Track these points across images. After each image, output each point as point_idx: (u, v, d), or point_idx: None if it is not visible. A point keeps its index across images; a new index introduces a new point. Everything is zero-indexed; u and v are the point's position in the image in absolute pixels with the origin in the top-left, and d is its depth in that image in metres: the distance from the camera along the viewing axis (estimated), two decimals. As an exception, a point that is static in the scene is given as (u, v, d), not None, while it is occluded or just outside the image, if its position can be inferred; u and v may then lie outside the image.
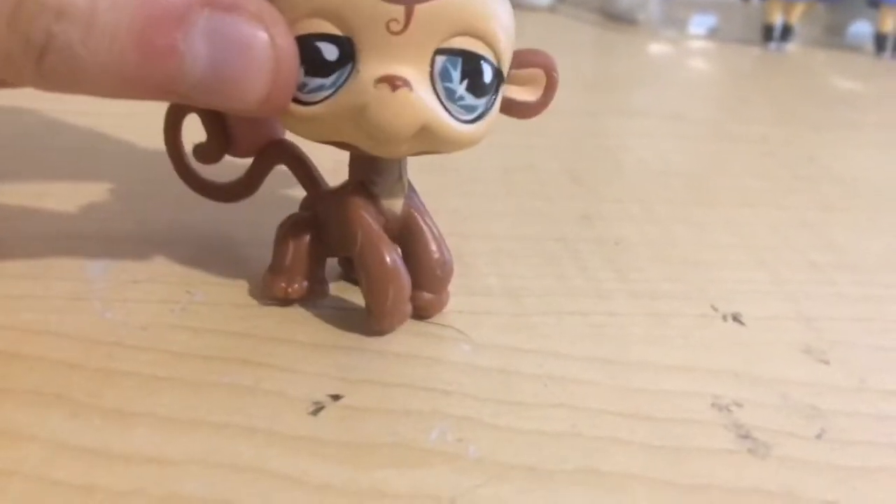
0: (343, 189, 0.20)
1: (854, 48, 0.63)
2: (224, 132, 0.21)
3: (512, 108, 0.19)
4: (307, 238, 0.20)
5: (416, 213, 0.20)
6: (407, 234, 0.20)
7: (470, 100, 0.17)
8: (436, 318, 0.21)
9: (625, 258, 0.25)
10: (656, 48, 0.59)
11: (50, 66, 0.14)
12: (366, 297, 0.20)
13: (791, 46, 0.61)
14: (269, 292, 0.21)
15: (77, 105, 0.33)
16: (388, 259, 0.19)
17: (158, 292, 0.21)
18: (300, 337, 0.20)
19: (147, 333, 0.19)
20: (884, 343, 0.22)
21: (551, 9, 0.69)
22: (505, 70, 0.18)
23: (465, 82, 0.17)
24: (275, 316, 0.20)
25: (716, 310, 0.23)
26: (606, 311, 0.22)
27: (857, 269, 0.26)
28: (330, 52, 0.17)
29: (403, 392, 0.18)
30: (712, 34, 0.63)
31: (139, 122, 0.32)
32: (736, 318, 0.22)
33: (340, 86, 0.17)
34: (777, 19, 0.60)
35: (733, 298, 0.23)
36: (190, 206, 0.24)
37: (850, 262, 0.26)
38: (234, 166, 0.23)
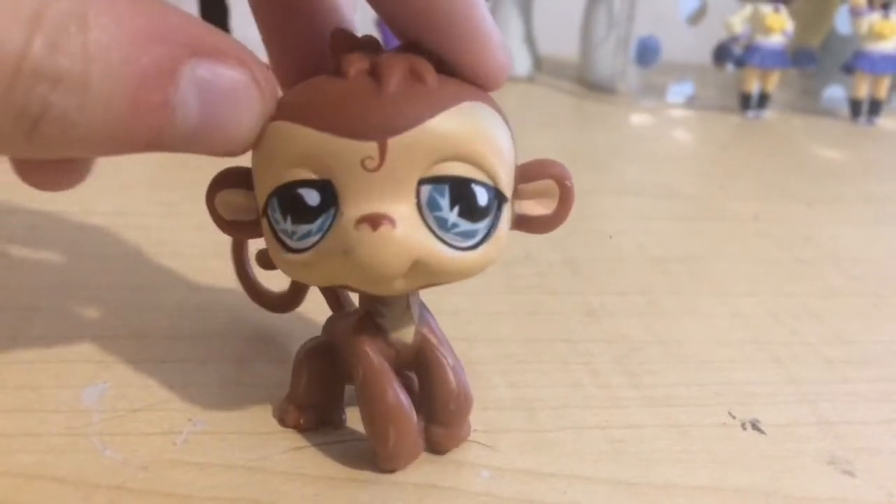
0: (351, 318, 0.19)
1: (829, 112, 0.64)
2: None
3: (526, 224, 0.19)
4: (322, 366, 0.20)
5: (429, 343, 0.19)
6: (420, 365, 0.19)
7: (466, 226, 0.16)
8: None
9: (636, 359, 0.25)
10: (637, 118, 0.59)
11: (42, 134, 0.14)
12: (369, 437, 0.19)
13: (768, 113, 0.62)
14: (282, 422, 0.20)
15: (63, 205, 0.32)
16: (388, 397, 0.18)
17: (159, 422, 0.20)
18: (311, 470, 0.19)
19: (150, 474, 0.18)
20: (908, 449, 0.21)
21: (530, 79, 0.69)
22: (505, 188, 0.17)
23: (457, 208, 0.16)
24: (284, 445, 0.20)
25: (734, 417, 0.22)
26: (625, 424, 0.21)
27: (869, 364, 0.25)
28: (312, 197, 0.16)
29: (425, 532, 0.17)
30: (690, 102, 0.64)
31: (130, 222, 0.32)
32: (755, 426, 0.22)
33: (326, 230, 0.16)
34: (754, 88, 0.61)
35: (750, 402, 0.23)
36: (188, 316, 0.24)
37: (862, 357, 0.26)
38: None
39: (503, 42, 0.17)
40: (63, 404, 0.21)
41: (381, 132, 0.15)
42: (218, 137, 0.16)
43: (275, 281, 0.23)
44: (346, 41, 0.17)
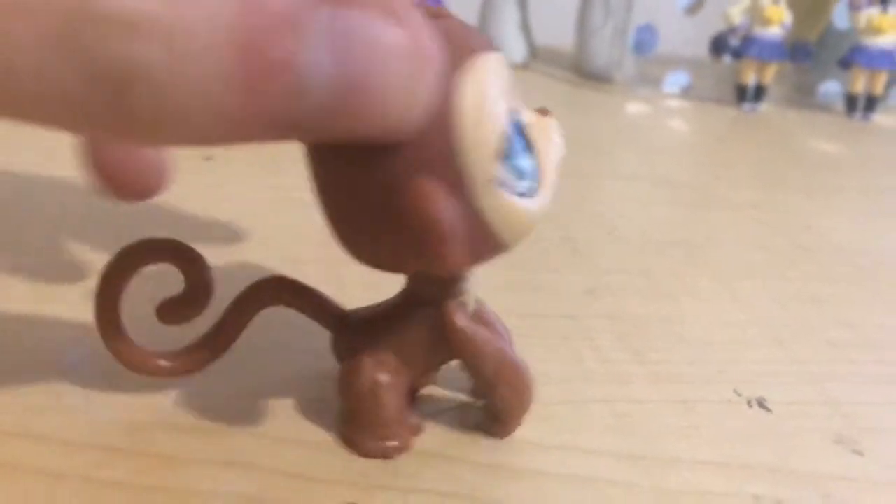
0: (423, 311, 0.18)
1: (824, 107, 0.64)
2: (206, 276, 0.18)
3: None
4: (396, 381, 0.18)
5: (483, 307, 0.19)
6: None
7: None
8: (453, 419, 0.20)
9: (638, 337, 0.24)
10: (633, 107, 0.59)
11: (130, 105, 0.10)
12: (507, 409, 0.18)
13: (764, 106, 0.61)
14: (387, 455, 0.18)
15: (59, 164, 0.32)
16: (525, 368, 0.18)
17: (144, 382, 0.19)
18: (310, 436, 0.18)
19: (136, 435, 0.17)
20: (916, 430, 0.21)
21: (524, 66, 0.69)
22: None
23: None
24: (278, 411, 0.19)
25: (739, 395, 0.22)
26: (630, 399, 0.21)
27: (875, 347, 0.25)
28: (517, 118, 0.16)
29: (424, 499, 0.17)
30: (686, 93, 0.63)
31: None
32: (761, 404, 0.21)
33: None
34: (750, 80, 0.60)
35: (755, 381, 0.22)
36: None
37: (867, 340, 0.25)
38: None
39: None
40: (45, 364, 0.20)
41: None
42: (368, 106, 0.12)
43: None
44: None
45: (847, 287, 0.30)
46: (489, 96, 0.15)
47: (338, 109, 0.12)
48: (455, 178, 0.15)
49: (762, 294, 0.28)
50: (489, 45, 0.16)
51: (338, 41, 0.11)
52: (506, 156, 0.15)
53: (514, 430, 0.19)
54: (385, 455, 0.18)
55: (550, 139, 0.17)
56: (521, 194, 0.16)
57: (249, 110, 0.11)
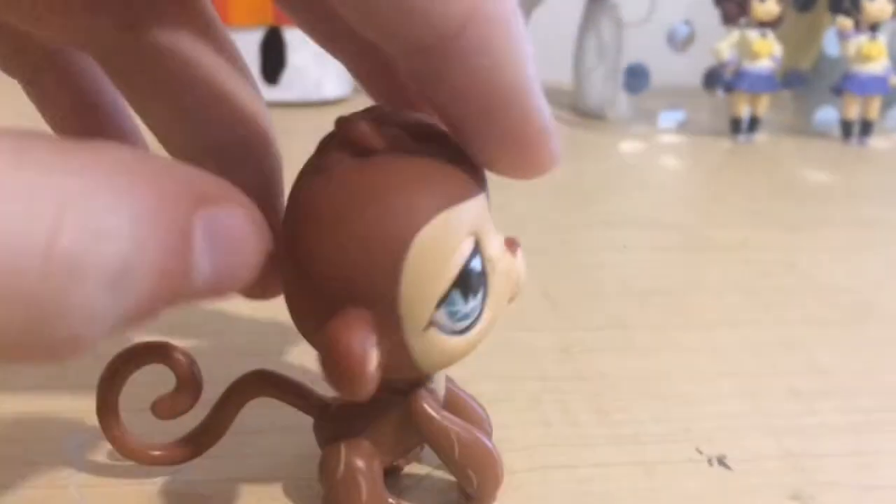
0: (391, 401, 0.19)
1: (821, 134, 0.65)
2: (195, 374, 0.19)
3: None
4: (371, 465, 0.19)
5: (453, 389, 0.21)
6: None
7: None
8: (421, 471, 0.21)
9: (608, 396, 0.25)
10: (627, 146, 0.60)
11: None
12: (478, 489, 0.19)
13: (760, 136, 0.62)
14: None
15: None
16: (491, 447, 0.19)
17: (137, 473, 0.21)
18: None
19: (124, 525, 0.19)
20: (870, 481, 0.22)
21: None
22: None
23: None
24: (260, 496, 0.20)
25: (701, 453, 0.22)
26: (592, 463, 0.22)
27: (838, 394, 0.26)
28: (477, 262, 0.17)
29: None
30: (682, 127, 0.64)
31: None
32: (721, 462, 0.22)
33: (486, 285, 0.17)
34: (744, 112, 0.61)
35: (718, 437, 0.23)
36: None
37: (832, 386, 0.26)
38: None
39: (555, 137, 0.16)
40: (44, 456, 0.21)
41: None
42: (227, 286, 0.14)
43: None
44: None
45: (822, 329, 0.30)
46: (440, 253, 0.16)
47: (209, 289, 0.14)
48: (389, 316, 0.16)
49: (736, 342, 0.29)
50: (467, 192, 0.16)
51: (212, 238, 0.13)
52: (448, 303, 0.16)
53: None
54: None
55: (509, 278, 0.18)
56: (455, 332, 0.17)
57: (155, 308, 0.13)
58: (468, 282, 0.16)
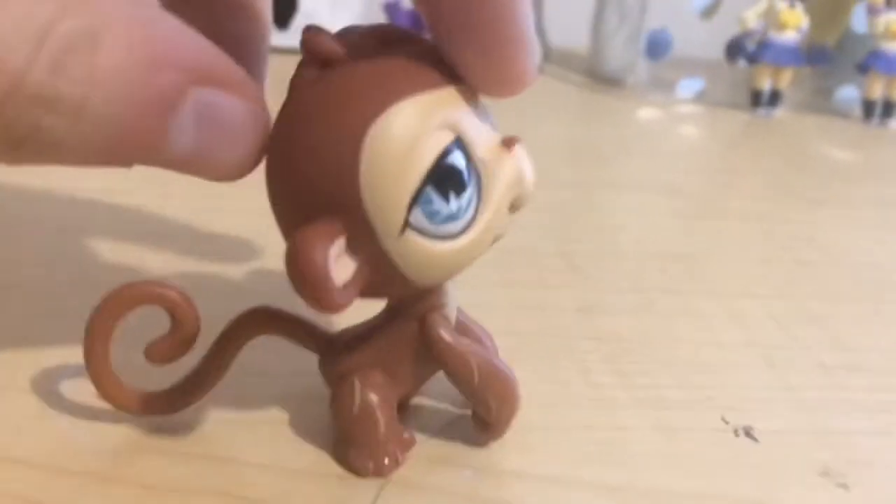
0: (405, 326, 0.18)
1: (842, 113, 0.63)
2: (192, 315, 0.18)
3: None
4: (386, 398, 0.18)
5: (464, 315, 0.20)
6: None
7: None
8: (439, 435, 0.20)
9: (628, 358, 0.24)
10: (645, 113, 0.58)
11: (27, 152, 0.13)
12: (495, 416, 0.19)
13: (779, 111, 0.61)
14: (380, 473, 0.18)
15: (58, 182, 0.32)
16: (510, 374, 0.19)
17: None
18: (289, 463, 0.18)
19: (119, 461, 0.18)
20: (903, 461, 0.21)
21: (538, 69, 0.68)
22: None
23: None
24: (260, 436, 0.19)
25: (727, 422, 0.21)
26: (613, 426, 0.21)
27: (868, 371, 0.25)
28: (459, 159, 0.15)
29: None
30: (700, 98, 0.63)
31: (125, 200, 0.31)
32: (748, 433, 0.21)
33: (479, 187, 0.16)
34: (766, 85, 0.60)
35: (744, 408, 0.22)
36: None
37: (861, 363, 0.25)
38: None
39: (533, 51, 0.16)
40: (36, 385, 0.20)
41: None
42: (210, 165, 0.15)
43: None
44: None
45: (847, 306, 0.29)
46: (399, 147, 0.15)
47: (184, 165, 0.15)
48: (358, 221, 0.15)
49: (760, 313, 0.28)
50: (432, 83, 0.15)
51: (200, 118, 0.14)
52: (423, 202, 0.15)
53: (503, 435, 0.19)
54: (379, 473, 0.18)
55: (506, 175, 0.16)
56: (443, 237, 0.16)
57: (122, 157, 0.14)
58: (446, 178, 0.15)
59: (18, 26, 0.12)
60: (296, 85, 0.16)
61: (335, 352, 0.19)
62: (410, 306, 0.18)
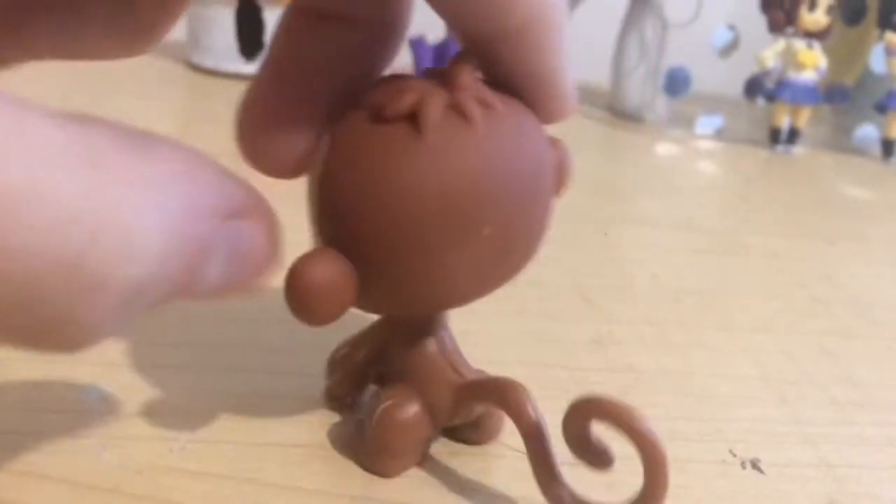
0: (428, 352, 0.20)
1: (861, 152, 0.63)
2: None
3: None
4: (419, 414, 0.20)
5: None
6: None
7: None
8: (444, 463, 0.20)
9: (638, 390, 0.25)
10: (664, 148, 0.59)
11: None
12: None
13: (798, 149, 0.61)
14: (401, 471, 0.20)
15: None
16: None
17: (158, 427, 0.20)
18: (304, 483, 0.19)
19: (144, 479, 0.18)
20: (910, 497, 0.21)
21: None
22: None
23: None
24: (277, 458, 0.20)
25: (734, 455, 0.22)
26: (621, 455, 0.21)
27: (878, 408, 0.25)
28: None
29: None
30: (719, 134, 0.63)
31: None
32: (755, 466, 0.21)
33: None
34: (784, 122, 0.60)
35: (752, 441, 0.22)
36: (194, 323, 0.24)
37: (872, 399, 0.25)
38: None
39: (572, 92, 0.19)
40: (64, 404, 0.21)
41: None
42: (229, 293, 0.15)
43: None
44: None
45: (860, 342, 0.30)
46: None
47: (215, 293, 0.14)
48: None
49: (771, 347, 0.28)
50: None
51: (228, 258, 0.14)
52: None
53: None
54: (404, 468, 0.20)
55: None
56: None
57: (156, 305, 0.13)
58: None
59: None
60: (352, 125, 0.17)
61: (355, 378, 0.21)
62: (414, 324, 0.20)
